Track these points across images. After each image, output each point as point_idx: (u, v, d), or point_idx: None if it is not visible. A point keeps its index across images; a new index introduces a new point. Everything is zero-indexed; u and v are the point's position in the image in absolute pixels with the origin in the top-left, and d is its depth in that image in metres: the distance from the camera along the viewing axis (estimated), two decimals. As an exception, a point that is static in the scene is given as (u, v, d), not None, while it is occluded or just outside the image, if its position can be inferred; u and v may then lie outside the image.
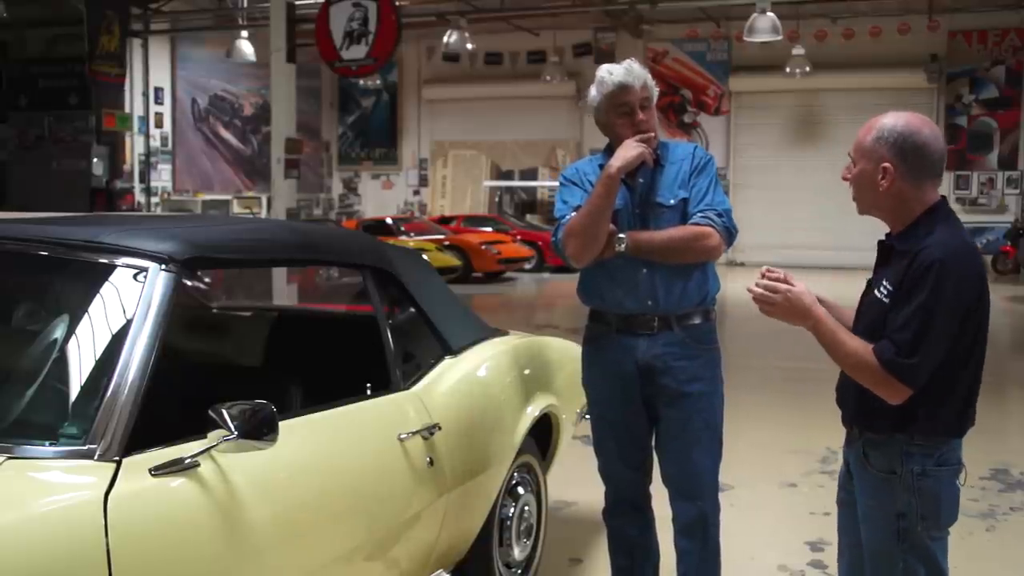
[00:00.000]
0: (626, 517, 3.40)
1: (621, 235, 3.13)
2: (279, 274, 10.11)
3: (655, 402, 3.24)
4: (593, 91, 3.21)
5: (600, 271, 3.22)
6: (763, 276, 2.49)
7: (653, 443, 3.33)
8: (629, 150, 3.10)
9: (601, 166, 3.19)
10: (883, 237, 2.51)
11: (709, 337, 3.26)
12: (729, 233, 3.17)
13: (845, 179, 2.48)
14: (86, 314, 2.35)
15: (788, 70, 20.79)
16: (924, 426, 2.38)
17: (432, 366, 3.32)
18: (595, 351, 3.33)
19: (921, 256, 2.31)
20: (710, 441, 3.25)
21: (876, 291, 2.45)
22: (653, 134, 3.19)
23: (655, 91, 3.24)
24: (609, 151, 3.23)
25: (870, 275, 2.54)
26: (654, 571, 3.46)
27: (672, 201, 3.19)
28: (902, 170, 2.37)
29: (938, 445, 2.39)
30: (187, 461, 2.12)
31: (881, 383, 2.34)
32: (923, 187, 2.39)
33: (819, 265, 18.68)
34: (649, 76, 3.21)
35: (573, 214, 3.17)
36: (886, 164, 2.37)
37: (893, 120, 2.40)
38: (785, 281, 2.47)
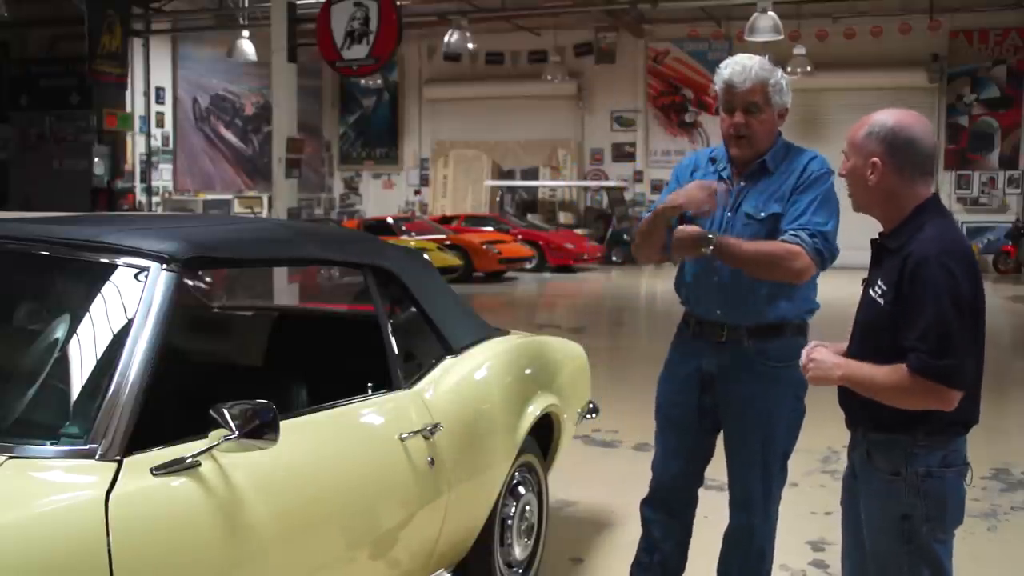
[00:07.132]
0: (656, 514, 3.35)
1: (711, 235, 2.98)
2: (280, 274, 10.09)
3: (717, 412, 3.20)
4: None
5: (683, 271, 3.23)
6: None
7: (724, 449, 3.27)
8: (695, 195, 2.99)
9: (712, 159, 3.20)
10: (876, 236, 2.51)
11: (782, 355, 3.07)
12: (821, 256, 2.98)
13: (842, 175, 2.51)
14: (87, 314, 2.35)
15: (789, 70, 20.73)
16: (928, 425, 2.36)
17: (433, 366, 3.32)
18: (674, 347, 3.33)
19: (914, 256, 2.31)
20: (766, 462, 3.15)
21: (871, 291, 2.45)
22: (725, 187, 3.05)
23: (775, 95, 3.04)
24: (725, 145, 3.18)
25: (866, 274, 2.54)
26: None
27: (761, 215, 3.05)
28: (891, 164, 2.39)
29: (943, 444, 2.38)
30: (188, 461, 2.13)
31: (929, 395, 2.29)
32: (913, 182, 2.40)
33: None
34: (774, 78, 3.02)
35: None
36: (874, 159, 2.40)
37: (884, 116, 2.43)
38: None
